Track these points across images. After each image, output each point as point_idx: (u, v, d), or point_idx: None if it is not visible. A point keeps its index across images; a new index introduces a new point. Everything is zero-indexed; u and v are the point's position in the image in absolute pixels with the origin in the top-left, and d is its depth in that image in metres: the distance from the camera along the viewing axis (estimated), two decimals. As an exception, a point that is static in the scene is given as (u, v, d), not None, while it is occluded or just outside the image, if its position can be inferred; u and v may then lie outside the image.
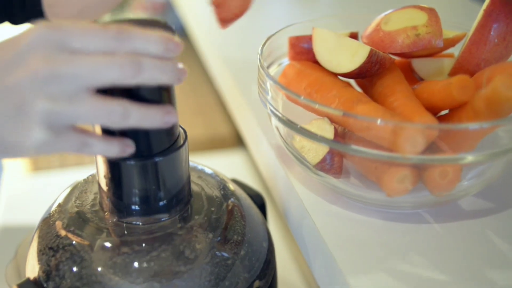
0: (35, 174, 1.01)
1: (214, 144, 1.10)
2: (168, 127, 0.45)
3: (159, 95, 0.45)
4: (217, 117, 1.15)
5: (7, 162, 1.05)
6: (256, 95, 0.65)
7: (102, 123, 0.41)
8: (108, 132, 0.45)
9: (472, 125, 0.42)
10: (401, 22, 0.51)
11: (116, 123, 0.41)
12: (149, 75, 0.41)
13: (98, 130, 0.46)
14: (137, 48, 0.41)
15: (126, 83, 0.41)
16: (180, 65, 0.43)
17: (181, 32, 1.52)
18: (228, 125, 1.12)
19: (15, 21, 0.80)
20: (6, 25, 0.80)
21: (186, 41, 1.45)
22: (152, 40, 0.41)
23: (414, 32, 0.50)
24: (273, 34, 0.57)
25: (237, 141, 1.10)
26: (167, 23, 0.46)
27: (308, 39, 0.56)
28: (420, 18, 0.51)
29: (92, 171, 0.55)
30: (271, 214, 0.85)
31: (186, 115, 1.15)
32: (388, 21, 0.52)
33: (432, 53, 0.55)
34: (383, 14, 0.54)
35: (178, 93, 1.08)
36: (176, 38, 0.42)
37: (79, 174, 0.61)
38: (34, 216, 0.87)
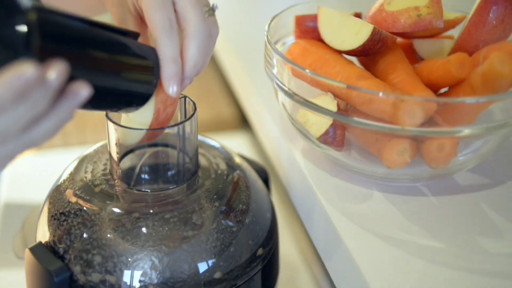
0: (38, 153, 1.03)
1: (218, 126, 1.12)
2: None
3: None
4: (221, 100, 1.17)
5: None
6: (261, 74, 0.67)
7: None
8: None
9: (469, 99, 0.44)
10: (404, 3, 0.53)
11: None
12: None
13: None
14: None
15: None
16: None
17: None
18: (231, 108, 1.14)
19: None
20: None
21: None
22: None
23: (416, 13, 0.52)
24: (279, 13, 0.58)
25: (241, 123, 1.12)
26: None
27: (314, 18, 0.57)
28: (422, 0, 0.53)
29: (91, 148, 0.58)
30: (273, 191, 0.87)
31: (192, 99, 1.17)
32: (391, 1, 0.54)
33: (432, 34, 0.56)
34: None
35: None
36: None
37: (82, 153, 0.63)
38: (38, 194, 0.89)
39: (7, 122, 0.35)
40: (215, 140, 0.61)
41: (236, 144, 1.05)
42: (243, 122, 1.12)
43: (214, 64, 1.26)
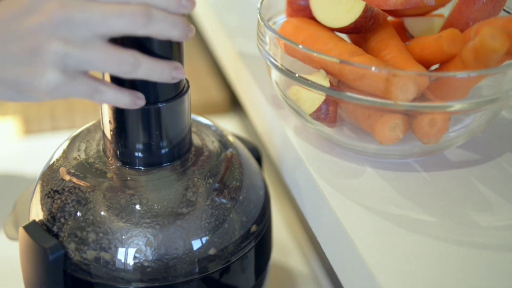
0: (27, 137, 1.03)
1: (207, 110, 1.12)
2: (175, 81, 0.47)
3: (169, 50, 0.47)
4: (210, 83, 1.17)
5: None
6: (253, 53, 0.67)
7: (112, 71, 0.43)
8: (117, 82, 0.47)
9: (460, 74, 0.45)
10: None
11: (126, 73, 0.43)
12: (159, 28, 0.43)
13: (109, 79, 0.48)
14: (151, 1, 0.43)
15: (136, 33, 0.43)
16: (188, 23, 0.45)
17: None
18: (221, 91, 1.14)
19: None
20: None
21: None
22: None
23: None
24: (270, -8, 0.59)
25: (230, 107, 1.12)
26: None
27: (305, -4, 0.58)
28: None
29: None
30: (266, 171, 0.88)
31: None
32: None
33: (423, 12, 0.57)
34: None
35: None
36: None
37: (74, 132, 0.63)
38: (27, 177, 0.89)
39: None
40: (208, 119, 0.61)
41: (227, 127, 1.05)
42: (232, 105, 1.12)
43: (202, 45, 1.25)
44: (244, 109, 0.81)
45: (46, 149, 0.95)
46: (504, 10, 0.55)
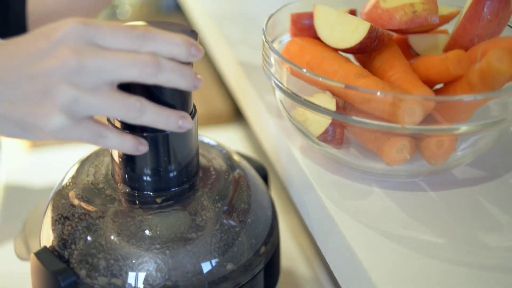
0: (34, 151, 1.03)
1: (211, 120, 1.13)
2: (182, 131, 0.47)
3: (176, 98, 0.48)
4: (214, 93, 1.17)
5: (5, 139, 1.06)
6: (257, 70, 0.67)
7: (119, 116, 0.44)
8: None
9: (467, 97, 0.45)
10: (399, 0, 0.53)
11: (132, 119, 0.44)
12: (168, 77, 0.44)
13: (117, 124, 0.49)
14: (161, 50, 0.44)
15: (145, 82, 0.44)
16: (197, 74, 0.46)
17: (175, 8, 1.53)
18: (224, 101, 1.15)
19: None
20: None
21: (180, 17, 1.47)
22: (175, 43, 0.44)
23: (411, 9, 0.53)
24: (276, 12, 0.59)
25: (234, 117, 1.12)
26: (191, 28, 0.49)
27: (309, 16, 0.58)
28: None
29: (90, 149, 0.58)
30: (272, 185, 0.88)
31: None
32: None
33: (428, 29, 0.57)
34: None
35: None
36: (198, 44, 0.45)
37: (78, 152, 0.63)
38: (35, 192, 0.90)
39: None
40: (212, 139, 0.61)
41: (231, 138, 1.06)
42: (237, 115, 1.12)
43: (206, 56, 1.26)
44: (248, 123, 0.82)
45: (52, 162, 0.96)
46: (509, 26, 0.55)
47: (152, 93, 0.46)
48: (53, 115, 0.42)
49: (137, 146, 0.47)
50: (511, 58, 0.43)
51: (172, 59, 0.44)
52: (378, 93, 0.45)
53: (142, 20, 0.51)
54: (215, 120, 1.13)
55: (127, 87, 0.46)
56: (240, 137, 1.06)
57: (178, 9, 1.49)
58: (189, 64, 0.47)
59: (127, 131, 0.48)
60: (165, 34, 0.44)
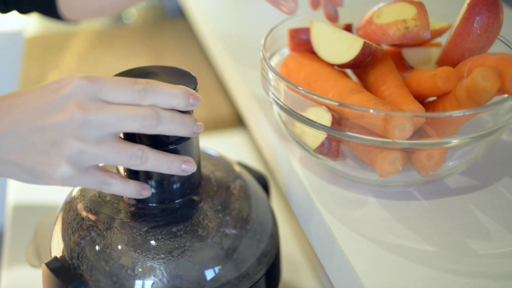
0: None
1: (216, 125, 1.15)
2: (185, 174, 0.51)
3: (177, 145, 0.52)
4: (218, 98, 1.20)
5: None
6: (257, 80, 0.69)
7: (122, 164, 0.48)
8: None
9: (456, 113, 0.47)
10: (392, 16, 0.56)
11: (135, 166, 0.48)
12: (167, 128, 0.48)
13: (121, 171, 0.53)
14: (161, 102, 0.48)
15: (146, 132, 0.47)
16: (197, 120, 0.50)
17: (180, 12, 1.55)
18: (229, 106, 1.17)
19: (23, 10, 0.84)
20: (14, 13, 0.83)
21: (185, 22, 1.49)
22: (174, 95, 0.48)
23: (404, 25, 0.55)
24: (275, 27, 0.61)
25: (239, 122, 1.15)
26: (190, 73, 0.53)
27: (307, 31, 0.60)
28: (409, 12, 0.55)
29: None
30: (273, 190, 0.90)
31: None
32: (380, 14, 0.56)
33: (420, 43, 0.59)
34: (376, 7, 0.58)
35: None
36: (196, 94, 0.49)
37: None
38: (46, 201, 0.92)
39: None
40: (214, 150, 0.64)
41: (235, 142, 1.08)
42: (241, 120, 1.15)
43: (211, 64, 1.28)
44: (250, 133, 0.84)
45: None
46: (499, 39, 0.57)
47: (154, 136, 0.50)
48: (61, 166, 0.46)
49: (140, 191, 0.51)
50: (495, 76, 0.45)
51: (172, 110, 0.48)
52: (371, 111, 0.47)
53: (148, 25, 0.54)
54: (220, 125, 1.16)
55: (131, 134, 0.50)
56: (244, 141, 1.09)
57: (183, 14, 1.51)
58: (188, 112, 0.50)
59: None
60: (165, 87, 0.48)
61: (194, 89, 0.51)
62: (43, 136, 0.46)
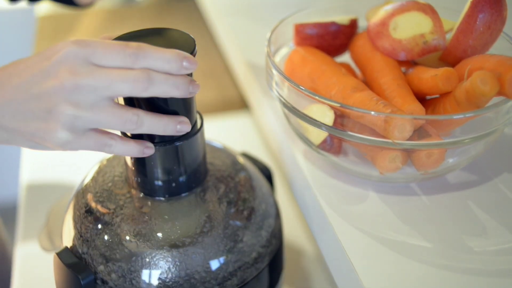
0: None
1: (224, 106, 1.16)
2: (180, 134, 0.51)
3: (173, 106, 0.51)
4: (226, 80, 1.20)
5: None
6: (264, 69, 0.70)
7: (118, 128, 0.49)
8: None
9: (456, 115, 0.48)
10: (409, 29, 0.55)
11: (131, 130, 0.49)
12: (160, 90, 0.48)
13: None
14: (153, 66, 0.47)
15: (139, 95, 0.47)
16: (193, 80, 0.49)
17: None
18: (236, 88, 1.18)
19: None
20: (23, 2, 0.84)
21: (194, 2, 1.49)
22: (166, 59, 0.47)
23: (422, 40, 0.55)
24: (283, 20, 0.62)
25: (246, 103, 1.16)
26: (189, 35, 0.52)
27: (312, 26, 0.61)
28: (426, 25, 0.55)
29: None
30: (277, 179, 0.92)
31: (197, 78, 1.21)
32: (396, 27, 0.56)
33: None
34: (387, 8, 0.58)
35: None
36: (191, 57, 0.48)
37: (101, 160, 0.67)
38: (58, 186, 0.94)
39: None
40: (218, 141, 0.65)
41: (240, 126, 1.09)
42: (248, 103, 1.16)
43: (219, 45, 1.29)
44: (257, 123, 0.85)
45: (75, 157, 1.00)
46: (502, 36, 0.58)
47: (152, 102, 0.50)
48: (57, 131, 0.47)
49: (143, 150, 0.51)
50: (494, 80, 0.46)
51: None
52: (372, 113, 0.48)
53: (158, 5, 0.53)
54: (227, 106, 1.17)
55: (131, 99, 0.50)
56: (250, 124, 1.10)
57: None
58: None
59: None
60: (156, 51, 0.48)
61: (192, 52, 0.49)
62: (39, 103, 0.47)
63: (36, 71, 0.47)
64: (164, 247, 0.54)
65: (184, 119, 0.51)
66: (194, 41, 0.51)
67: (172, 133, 0.50)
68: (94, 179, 0.60)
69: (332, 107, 0.52)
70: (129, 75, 0.46)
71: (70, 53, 0.46)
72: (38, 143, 0.49)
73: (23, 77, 0.47)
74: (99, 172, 0.60)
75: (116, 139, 0.50)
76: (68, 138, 0.47)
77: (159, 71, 0.47)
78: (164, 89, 0.47)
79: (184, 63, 0.48)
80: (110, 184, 0.58)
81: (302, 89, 0.51)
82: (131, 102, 0.51)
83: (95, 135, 0.49)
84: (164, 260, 0.54)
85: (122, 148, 0.50)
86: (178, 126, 0.50)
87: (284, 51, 0.64)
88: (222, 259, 0.55)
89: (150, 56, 0.47)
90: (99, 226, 0.55)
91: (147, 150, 0.52)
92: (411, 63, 0.61)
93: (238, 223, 0.57)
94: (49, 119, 0.47)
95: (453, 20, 0.60)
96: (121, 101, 0.51)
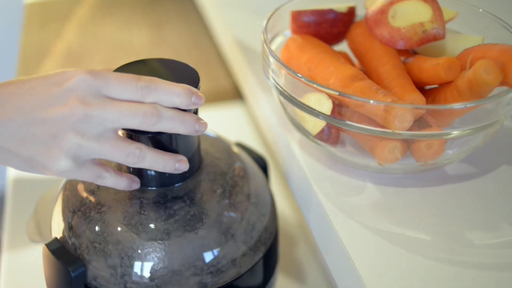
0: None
1: (216, 97, 1.15)
2: (178, 172, 0.52)
3: (175, 144, 0.52)
4: (219, 71, 1.19)
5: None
6: (259, 59, 0.69)
7: (119, 161, 0.49)
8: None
9: (457, 105, 0.47)
10: (408, 17, 0.54)
11: (132, 163, 0.49)
12: (168, 126, 0.48)
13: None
14: (163, 100, 0.48)
15: (146, 130, 0.48)
16: (199, 118, 0.50)
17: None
18: (229, 78, 1.16)
19: None
20: None
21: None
22: (176, 93, 0.48)
23: (421, 29, 0.54)
24: (279, 7, 0.60)
25: (239, 94, 1.14)
26: (192, 68, 0.53)
27: (309, 13, 0.59)
28: (425, 13, 0.54)
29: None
30: (272, 169, 0.90)
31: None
32: (395, 14, 0.55)
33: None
34: None
35: (181, 47, 1.14)
36: (199, 93, 0.49)
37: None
38: (46, 176, 0.92)
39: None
40: (213, 131, 0.64)
41: (234, 116, 1.08)
42: (241, 93, 1.14)
43: (212, 35, 1.27)
44: (250, 109, 0.84)
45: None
46: (501, 25, 0.57)
47: (153, 139, 0.51)
48: (60, 159, 0.47)
49: (131, 184, 0.52)
50: (497, 69, 0.45)
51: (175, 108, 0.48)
52: (371, 102, 0.47)
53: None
54: (220, 97, 1.15)
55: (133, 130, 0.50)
56: (244, 114, 1.09)
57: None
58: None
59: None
60: (168, 85, 0.48)
61: (196, 86, 0.51)
62: (43, 128, 0.46)
63: (43, 95, 0.46)
64: (156, 238, 0.52)
65: (183, 158, 0.52)
66: (198, 75, 0.52)
67: (170, 171, 0.51)
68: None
69: (330, 95, 0.51)
70: (140, 110, 0.47)
71: (83, 82, 0.46)
72: (34, 167, 0.48)
73: (27, 99, 0.46)
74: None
75: (110, 171, 0.50)
76: (69, 167, 0.47)
77: (168, 105, 0.48)
78: (172, 126, 0.48)
79: (193, 99, 0.49)
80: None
81: (299, 76, 0.50)
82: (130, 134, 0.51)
83: (93, 166, 0.49)
84: (156, 252, 0.52)
85: (113, 181, 0.51)
86: (177, 165, 0.51)
87: (279, 40, 0.62)
88: (216, 251, 0.54)
89: (162, 90, 0.48)
90: (89, 216, 0.54)
91: (134, 184, 0.53)
92: (410, 52, 0.60)
93: (232, 214, 0.55)
94: (52, 145, 0.46)
95: (453, 10, 0.59)
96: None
